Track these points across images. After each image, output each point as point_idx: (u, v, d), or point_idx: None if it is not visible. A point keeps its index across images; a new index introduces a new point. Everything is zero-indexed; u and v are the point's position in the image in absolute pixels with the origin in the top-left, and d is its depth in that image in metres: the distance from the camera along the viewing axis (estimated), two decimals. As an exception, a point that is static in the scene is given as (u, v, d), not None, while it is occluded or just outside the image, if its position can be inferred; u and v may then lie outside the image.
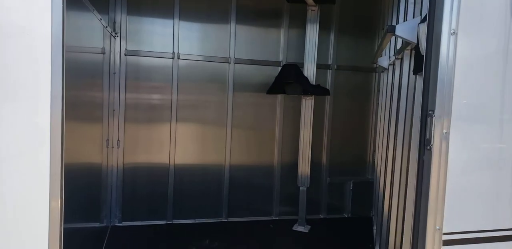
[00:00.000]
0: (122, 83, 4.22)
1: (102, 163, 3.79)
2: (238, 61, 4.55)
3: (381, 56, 3.88)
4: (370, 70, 4.90)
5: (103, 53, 3.66)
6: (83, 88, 2.74)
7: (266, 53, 4.63)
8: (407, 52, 2.68)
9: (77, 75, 2.46)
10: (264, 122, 4.70)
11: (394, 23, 4.38)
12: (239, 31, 4.54)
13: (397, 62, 3.26)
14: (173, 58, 4.38)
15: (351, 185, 4.95)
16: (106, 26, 3.65)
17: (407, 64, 2.69)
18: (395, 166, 2.87)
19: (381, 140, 4.38)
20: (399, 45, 3.40)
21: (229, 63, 4.53)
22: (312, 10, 4.31)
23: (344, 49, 4.82)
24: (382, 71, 4.61)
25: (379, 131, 4.65)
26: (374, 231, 4.17)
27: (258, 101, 4.62)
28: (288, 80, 3.49)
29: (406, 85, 2.73)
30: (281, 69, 3.59)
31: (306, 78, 3.78)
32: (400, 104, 2.85)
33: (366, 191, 4.85)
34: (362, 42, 4.88)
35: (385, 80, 4.29)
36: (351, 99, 4.91)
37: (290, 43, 4.65)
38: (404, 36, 2.09)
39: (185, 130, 4.49)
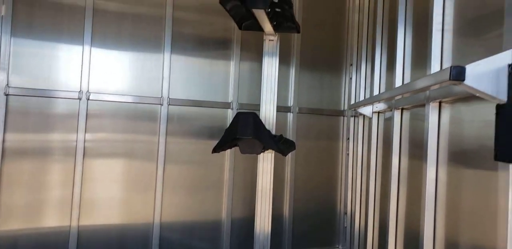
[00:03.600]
0: (-1, 135, 2.88)
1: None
2: (174, 102, 3.43)
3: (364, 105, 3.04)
4: (338, 113, 4.04)
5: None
6: None
7: (212, 92, 3.58)
8: (434, 105, 1.79)
9: None
10: (209, 176, 3.56)
11: (362, 60, 3.69)
12: (176, 64, 3.47)
13: (397, 113, 2.39)
14: (80, 99, 3.14)
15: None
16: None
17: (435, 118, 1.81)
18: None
19: (356, 200, 3.48)
20: (376, 88, 2.67)
21: (161, 104, 3.39)
22: (270, 40, 3.38)
23: (307, 88, 3.93)
24: (355, 116, 3.77)
25: (352, 189, 3.75)
26: None
27: (199, 148, 3.50)
28: (245, 136, 2.46)
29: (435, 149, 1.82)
30: (233, 120, 2.57)
31: (267, 131, 2.77)
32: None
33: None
34: (327, 80, 4.04)
35: (365, 128, 3.46)
36: (316, 148, 3.97)
37: (242, 79, 3.67)
38: (481, 89, 1.16)
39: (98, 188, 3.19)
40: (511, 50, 1.15)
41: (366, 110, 3.00)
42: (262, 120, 3.24)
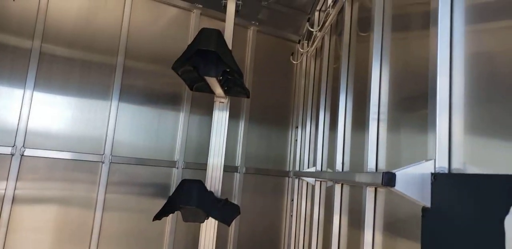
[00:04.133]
0: None
1: None
2: (116, 159, 3.32)
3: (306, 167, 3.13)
4: (284, 174, 4.11)
5: None
6: None
7: (158, 149, 3.51)
8: (370, 189, 1.89)
9: None
10: (150, 228, 3.37)
11: (307, 123, 3.85)
12: (122, 116, 3.39)
13: (338, 186, 2.48)
14: (12, 155, 2.94)
15: None
16: None
17: (371, 198, 1.89)
18: None
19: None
20: (319, 152, 2.84)
21: (103, 162, 3.26)
22: (220, 102, 3.46)
23: (255, 148, 3.99)
24: (298, 178, 3.86)
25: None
26: None
27: (140, 204, 3.34)
28: (188, 205, 2.39)
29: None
30: (177, 188, 2.50)
31: (212, 199, 2.73)
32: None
33: None
34: (274, 140, 4.15)
35: (308, 191, 3.53)
36: (261, 209, 3.96)
37: (190, 137, 3.66)
38: (409, 195, 1.25)
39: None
40: (433, 160, 1.28)
41: (310, 179, 3.08)
42: (208, 180, 3.22)
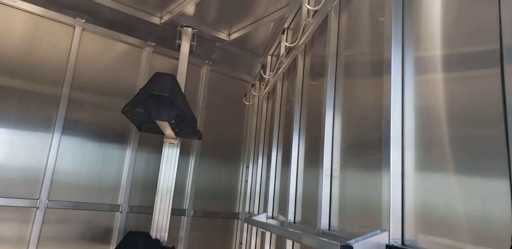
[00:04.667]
0: None
1: None
2: (53, 204, 3.05)
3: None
4: (233, 216, 4.02)
5: None
6: None
7: (101, 191, 3.29)
8: None
9: None
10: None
11: (258, 163, 3.83)
12: (64, 151, 3.16)
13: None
14: None
15: None
16: None
17: None
18: None
19: None
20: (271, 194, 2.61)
21: (38, 208, 2.99)
22: (170, 143, 3.37)
23: (204, 190, 3.88)
24: (249, 222, 3.79)
25: None
26: None
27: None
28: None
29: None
30: (122, 241, 2.31)
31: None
32: None
33: None
34: (224, 181, 4.07)
35: (258, 235, 3.47)
36: (207, 253, 3.81)
37: (136, 177, 3.47)
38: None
39: None
40: (387, 232, 1.31)
41: (261, 217, 3.04)
42: (154, 227, 3.06)
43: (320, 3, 2.32)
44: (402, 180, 1.37)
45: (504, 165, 0.96)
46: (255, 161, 3.96)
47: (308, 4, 2.81)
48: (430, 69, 1.34)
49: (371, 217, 1.54)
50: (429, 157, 1.27)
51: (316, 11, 2.53)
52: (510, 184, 0.93)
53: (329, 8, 2.29)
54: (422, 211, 1.27)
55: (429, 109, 1.30)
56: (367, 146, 1.69)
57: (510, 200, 0.93)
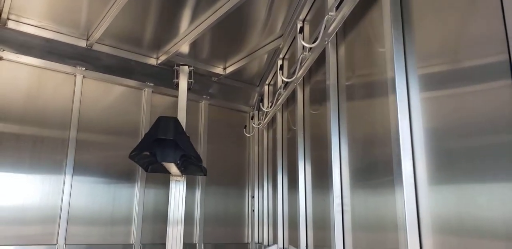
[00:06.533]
0: None
1: None
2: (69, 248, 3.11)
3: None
4: (242, 247, 4.06)
5: None
6: None
7: (114, 230, 3.35)
8: None
9: None
10: None
11: (264, 192, 3.87)
12: (76, 195, 3.23)
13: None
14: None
15: None
16: None
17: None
18: None
19: None
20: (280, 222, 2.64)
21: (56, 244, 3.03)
22: (177, 181, 3.46)
23: (212, 223, 3.92)
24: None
25: None
26: None
27: None
28: None
29: None
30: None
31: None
32: None
33: None
34: (231, 213, 4.11)
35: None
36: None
37: (146, 213, 3.52)
38: None
39: None
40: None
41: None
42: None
43: (315, 35, 2.31)
44: (416, 200, 1.39)
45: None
46: (260, 189, 4.01)
47: (303, 36, 2.88)
48: (436, 85, 1.35)
49: (388, 240, 1.56)
50: (443, 172, 1.28)
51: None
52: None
53: (326, 43, 2.25)
54: (440, 229, 1.27)
55: (438, 123, 1.32)
56: (376, 168, 1.71)
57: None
